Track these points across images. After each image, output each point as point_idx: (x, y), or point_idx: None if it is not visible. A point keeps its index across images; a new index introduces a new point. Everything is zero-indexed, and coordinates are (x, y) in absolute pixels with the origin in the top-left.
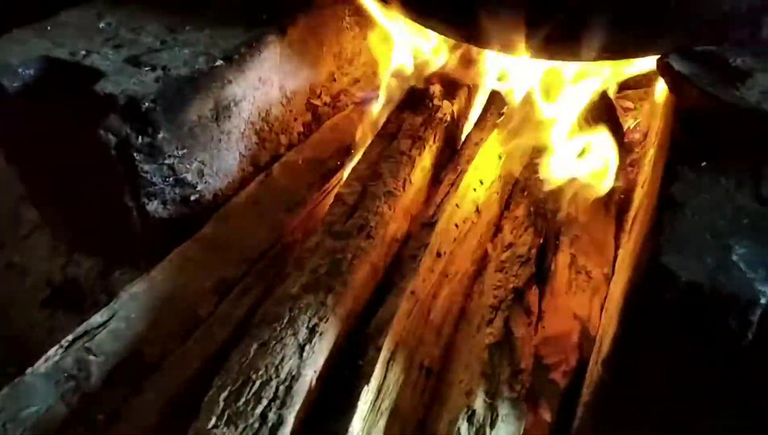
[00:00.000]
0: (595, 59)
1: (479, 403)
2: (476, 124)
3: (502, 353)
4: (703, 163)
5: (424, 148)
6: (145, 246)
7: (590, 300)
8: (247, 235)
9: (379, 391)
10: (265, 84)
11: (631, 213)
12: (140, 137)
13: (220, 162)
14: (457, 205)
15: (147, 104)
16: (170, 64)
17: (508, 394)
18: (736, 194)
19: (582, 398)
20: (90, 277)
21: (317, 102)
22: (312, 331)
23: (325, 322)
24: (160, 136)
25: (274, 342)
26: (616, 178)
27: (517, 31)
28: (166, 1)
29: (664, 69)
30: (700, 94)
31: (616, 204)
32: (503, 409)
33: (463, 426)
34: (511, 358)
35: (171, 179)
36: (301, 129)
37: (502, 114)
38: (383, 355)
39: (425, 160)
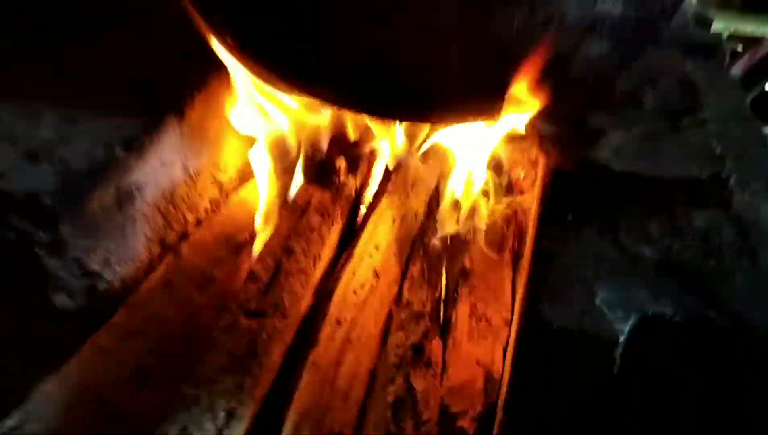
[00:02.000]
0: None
1: None
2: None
3: (404, 409)
4: (569, 217)
5: (333, 224)
6: (55, 342)
7: (492, 345)
8: (160, 319)
9: None
10: (168, 166)
11: (523, 260)
12: (42, 233)
13: (126, 248)
14: (353, 273)
15: (46, 200)
16: (69, 157)
17: None
18: (598, 244)
19: None
20: None
21: (222, 178)
22: (230, 416)
23: (243, 406)
24: (64, 230)
25: (193, 426)
26: (508, 226)
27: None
28: (62, 90)
29: (530, 129)
30: (560, 153)
31: (510, 250)
32: None
33: None
34: (414, 412)
35: (77, 272)
36: (208, 205)
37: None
38: (287, 430)
39: (333, 236)
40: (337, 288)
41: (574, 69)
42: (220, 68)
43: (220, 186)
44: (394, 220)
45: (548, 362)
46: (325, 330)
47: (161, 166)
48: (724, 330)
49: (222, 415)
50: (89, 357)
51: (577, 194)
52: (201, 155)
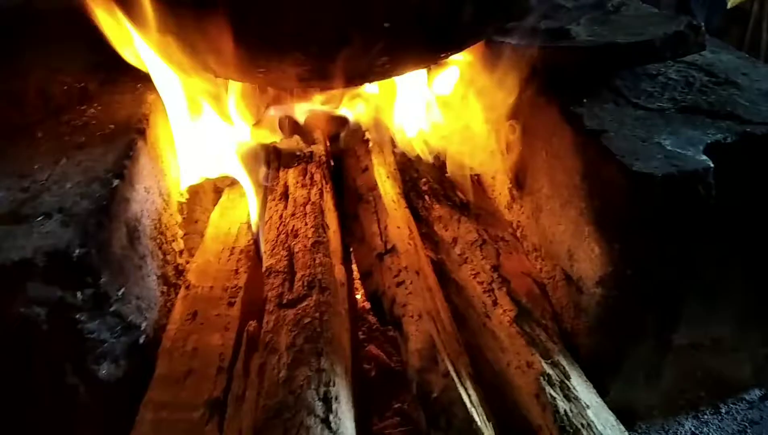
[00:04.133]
0: None
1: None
2: (349, 157)
3: (527, 323)
4: (585, 100)
5: (322, 191)
6: (103, 420)
7: (521, 258)
8: (204, 350)
9: None
10: (150, 193)
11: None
12: (79, 292)
13: (147, 290)
14: (397, 227)
15: (77, 251)
16: (65, 204)
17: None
18: (624, 110)
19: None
20: None
21: (182, 199)
22: (326, 400)
23: (333, 386)
24: (103, 280)
25: (294, 431)
26: None
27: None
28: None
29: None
30: (554, 52)
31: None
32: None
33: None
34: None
35: (119, 328)
36: (181, 231)
37: (367, 139)
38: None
39: (327, 201)
40: (391, 244)
41: None
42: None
43: (180, 208)
44: (388, 176)
45: (658, 212)
46: (415, 281)
47: (146, 194)
48: (765, 135)
49: (319, 404)
50: (149, 420)
51: (577, 79)
52: (166, 178)
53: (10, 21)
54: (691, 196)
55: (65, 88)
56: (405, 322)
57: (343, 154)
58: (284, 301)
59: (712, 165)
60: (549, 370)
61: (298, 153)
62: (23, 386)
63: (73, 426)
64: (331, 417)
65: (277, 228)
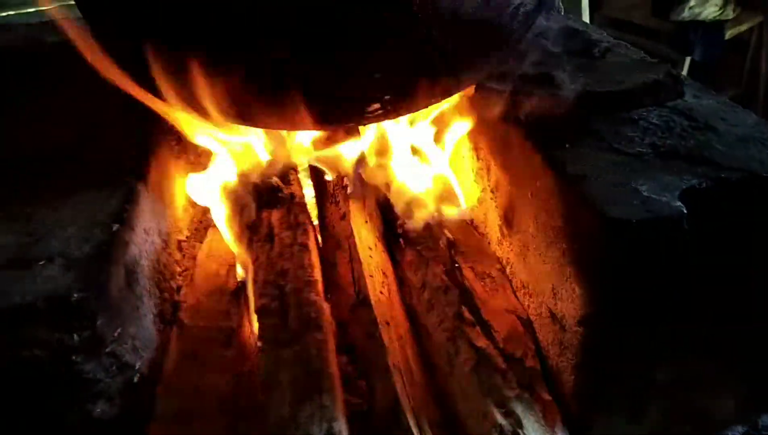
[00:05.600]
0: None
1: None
2: (323, 202)
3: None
4: (566, 145)
5: (307, 232)
6: None
7: (506, 294)
8: (205, 390)
9: None
10: (150, 234)
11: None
12: (76, 334)
13: (144, 330)
14: (371, 276)
15: (76, 295)
16: (67, 248)
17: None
18: (603, 155)
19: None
20: None
21: (181, 237)
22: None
23: (335, 422)
24: (99, 323)
25: None
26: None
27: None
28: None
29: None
30: (539, 100)
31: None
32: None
33: None
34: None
35: (114, 368)
36: (178, 269)
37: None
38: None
39: (312, 242)
40: (368, 294)
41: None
42: (154, 123)
43: (179, 246)
44: (366, 221)
45: (632, 257)
46: (384, 334)
47: (146, 235)
48: (740, 181)
49: None
50: None
51: (555, 124)
52: (165, 218)
53: (17, 60)
54: (665, 241)
55: (67, 129)
56: (372, 377)
57: (323, 198)
58: (279, 339)
59: (685, 211)
60: (501, 421)
61: (279, 194)
62: (22, 426)
63: None
64: None
65: (266, 268)
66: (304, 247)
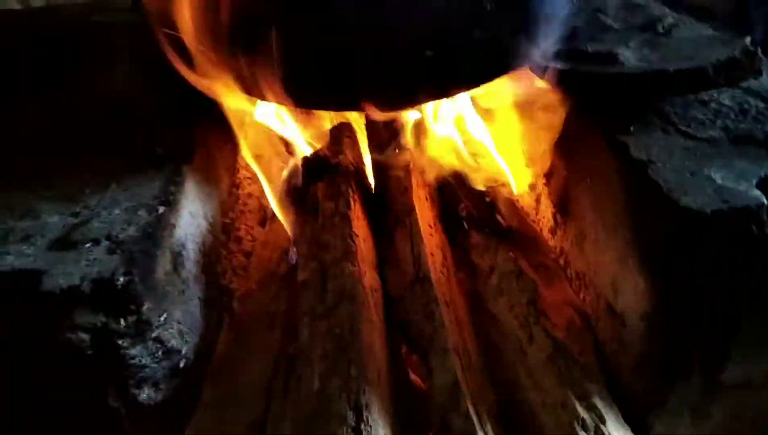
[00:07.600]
0: None
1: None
2: (390, 173)
3: (563, 361)
4: (631, 127)
5: (349, 202)
6: None
7: (563, 287)
8: (247, 376)
9: None
10: (196, 217)
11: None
12: (123, 319)
13: (190, 315)
14: (432, 254)
15: (122, 279)
16: (112, 231)
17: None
18: (672, 139)
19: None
20: None
21: (227, 220)
22: (357, 409)
23: (364, 394)
24: (145, 307)
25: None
26: None
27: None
28: (31, 176)
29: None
30: (602, 77)
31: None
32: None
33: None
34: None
35: (160, 353)
36: (225, 252)
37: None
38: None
39: (356, 210)
40: (429, 273)
41: None
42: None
43: (225, 228)
44: (426, 198)
45: (706, 250)
46: (444, 315)
47: (191, 219)
48: None
49: (350, 413)
50: None
51: (619, 105)
52: (212, 200)
53: (70, 36)
54: (742, 234)
55: (115, 109)
56: (431, 356)
57: (386, 169)
58: (317, 313)
59: (765, 201)
60: (584, 414)
61: (326, 164)
62: (67, 409)
63: None
64: (362, 426)
65: (309, 242)
66: (346, 217)
